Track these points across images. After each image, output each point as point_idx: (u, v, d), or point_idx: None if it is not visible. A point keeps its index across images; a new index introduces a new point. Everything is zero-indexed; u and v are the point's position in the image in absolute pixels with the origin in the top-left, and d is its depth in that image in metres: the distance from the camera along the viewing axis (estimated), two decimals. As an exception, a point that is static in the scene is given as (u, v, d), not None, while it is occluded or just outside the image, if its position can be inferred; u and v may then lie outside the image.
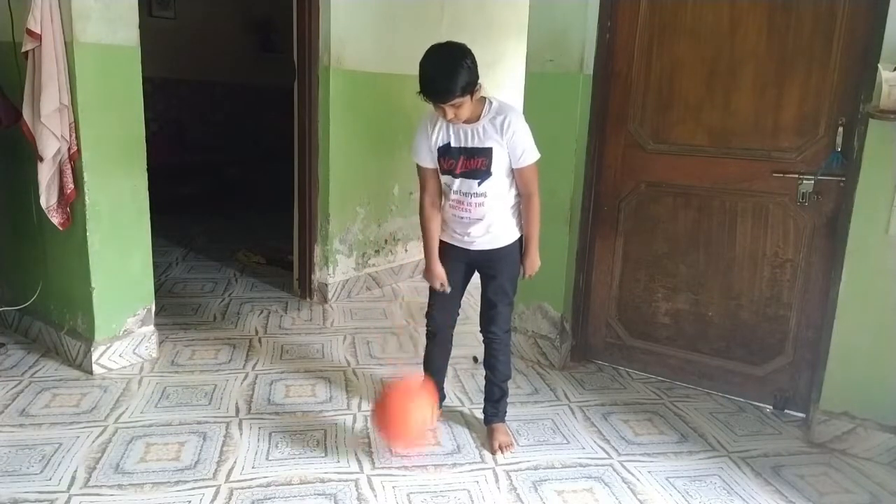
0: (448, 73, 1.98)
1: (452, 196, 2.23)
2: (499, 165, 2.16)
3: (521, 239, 2.32)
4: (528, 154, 2.17)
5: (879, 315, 2.36)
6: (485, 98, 2.16)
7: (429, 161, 2.25)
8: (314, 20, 3.62)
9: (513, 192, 2.25)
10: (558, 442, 2.47)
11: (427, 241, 2.31)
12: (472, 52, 2.06)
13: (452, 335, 2.48)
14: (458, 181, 2.20)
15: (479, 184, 2.17)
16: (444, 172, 2.23)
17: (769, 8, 2.56)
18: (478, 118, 2.14)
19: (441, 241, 2.33)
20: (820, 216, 2.59)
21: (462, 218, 2.24)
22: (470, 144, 2.16)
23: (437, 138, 2.20)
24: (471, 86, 2.02)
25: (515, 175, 2.21)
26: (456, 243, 2.30)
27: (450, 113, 2.06)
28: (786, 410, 2.76)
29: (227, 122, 6.88)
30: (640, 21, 2.82)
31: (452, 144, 2.18)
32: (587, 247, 3.09)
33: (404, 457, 2.30)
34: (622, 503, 2.12)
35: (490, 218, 2.22)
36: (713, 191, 2.79)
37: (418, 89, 2.04)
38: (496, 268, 2.30)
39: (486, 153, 2.14)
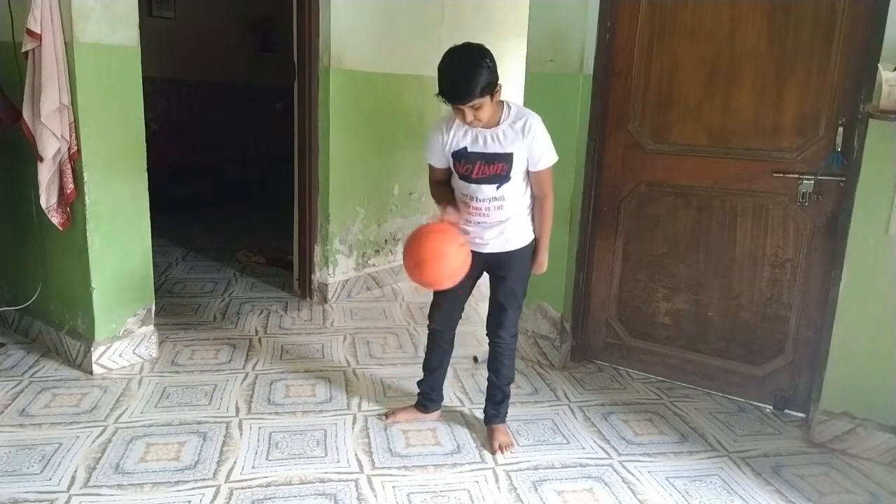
0: (467, 73, 1.95)
1: (469, 201, 2.20)
2: (518, 170, 2.14)
3: (533, 241, 2.30)
4: (547, 157, 2.16)
5: (879, 315, 2.36)
6: (503, 102, 2.13)
7: (440, 162, 2.25)
8: (314, 20, 3.62)
9: (528, 194, 2.23)
10: (558, 442, 2.47)
11: (437, 197, 2.28)
12: (492, 52, 2.02)
13: (454, 336, 2.48)
14: (474, 186, 2.17)
15: (498, 188, 2.15)
16: (461, 177, 2.20)
17: (769, 8, 2.56)
18: (497, 123, 2.12)
19: None
20: (820, 216, 2.59)
21: (479, 222, 2.21)
22: (489, 150, 2.12)
23: (452, 142, 2.17)
24: (491, 86, 1.98)
25: (531, 177, 2.20)
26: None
27: (469, 115, 2.02)
28: (786, 410, 2.76)
29: (227, 122, 6.88)
30: (640, 21, 2.82)
31: (469, 149, 2.15)
32: (587, 247, 3.09)
33: (404, 457, 2.31)
34: (622, 503, 2.12)
35: (505, 221, 2.20)
36: (713, 191, 2.79)
37: (437, 91, 1.99)
38: (507, 269, 2.28)
39: (507, 158, 2.11)
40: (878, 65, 2.20)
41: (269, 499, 2.04)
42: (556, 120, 2.90)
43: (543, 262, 2.32)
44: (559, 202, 2.94)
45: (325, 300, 3.93)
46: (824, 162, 2.52)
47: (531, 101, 3.01)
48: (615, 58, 2.90)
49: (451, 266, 2.06)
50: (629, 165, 2.96)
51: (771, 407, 2.79)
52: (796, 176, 2.58)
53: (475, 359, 3.14)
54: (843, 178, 2.49)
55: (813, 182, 2.55)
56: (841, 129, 2.46)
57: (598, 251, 3.10)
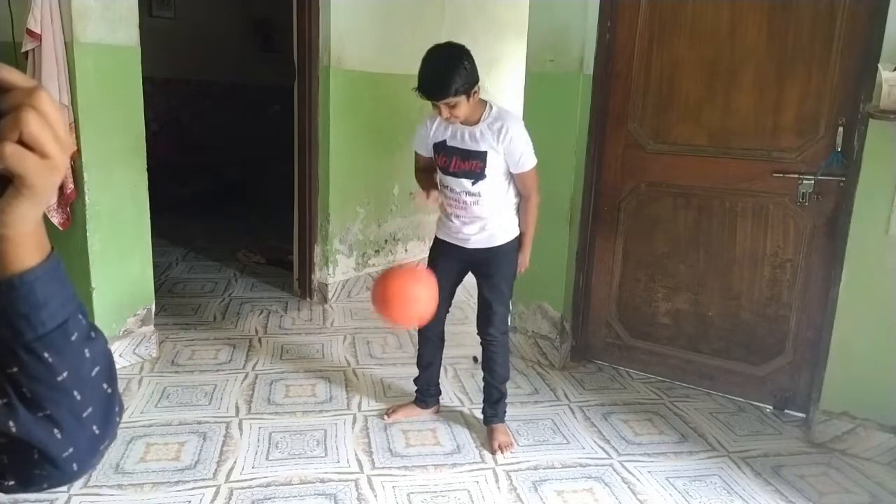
0: (444, 71, 2.00)
1: (448, 193, 2.25)
2: (493, 169, 2.16)
3: (518, 238, 2.33)
4: (526, 160, 2.18)
5: (879, 315, 2.36)
6: (485, 102, 2.18)
7: (424, 150, 2.33)
8: (314, 20, 3.62)
9: (511, 192, 2.26)
10: (558, 442, 2.47)
11: (421, 182, 2.34)
12: (472, 53, 2.06)
13: (443, 332, 2.50)
14: (452, 179, 2.22)
15: (473, 184, 2.18)
16: (440, 169, 2.26)
17: (769, 8, 2.56)
18: (477, 121, 2.16)
19: (437, 239, 2.36)
20: (820, 216, 2.59)
21: (458, 216, 2.26)
22: (465, 146, 2.17)
23: (434, 133, 2.24)
24: (467, 86, 2.03)
25: (515, 178, 2.22)
26: (452, 241, 2.31)
27: (445, 111, 2.08)
28: (786, 410, 2.76)
29: (227, 122, 6.87)
30: (640, 21, 2.82)
31: (448, 143, 2.20)
32: (587, 247, 3.09)
33: (404, 457, 2.31)
34: (622, 503, 2.12)
35: (485, 217, 2.23)
36: (713, 191, 2.79)
37: (415, 86, 2.06)
38: (492, 267, 2.30)
39: (481, 156, 2.15)
40: (878, 65, 2.20)
41: (269, 499, 2.04)
42: (556, 120, 2.93)
43: (526, 260, 2.35)
44: (559, 201, 2.96)
45: (325, 300, 3.92)
46: (824, 162, 2.52)
47: (531, 101, 3.02)
48: (615, 58, 2.90)
49: (416, 308, 1.93)
50: (629, 165, 2.96)
51: (771, 407, 2.79)
52: (796, 176, 2.58)
53: (475, 359, 3.13)
54: (843, 178, 2.49)
55: (813, 182, 2.55)
56: (841, 129, 2.46)
57: (598, 251, 3.10)
